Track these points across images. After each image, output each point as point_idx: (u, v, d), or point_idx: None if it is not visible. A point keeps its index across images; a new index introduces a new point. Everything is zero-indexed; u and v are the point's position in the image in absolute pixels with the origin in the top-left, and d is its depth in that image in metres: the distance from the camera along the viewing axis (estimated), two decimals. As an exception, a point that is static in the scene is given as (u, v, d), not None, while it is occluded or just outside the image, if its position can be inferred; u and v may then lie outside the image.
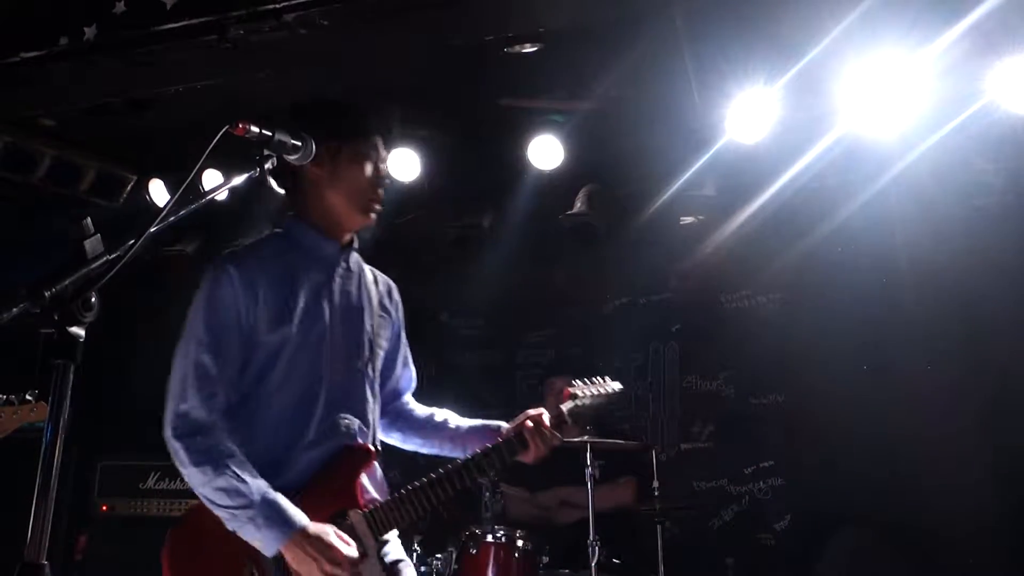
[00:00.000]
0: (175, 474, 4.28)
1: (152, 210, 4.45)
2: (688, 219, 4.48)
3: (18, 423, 2.75)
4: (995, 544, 3.74)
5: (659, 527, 3.71)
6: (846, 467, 4.18)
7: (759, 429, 4.71)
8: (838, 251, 4.38)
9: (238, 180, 1.53)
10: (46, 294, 1.06)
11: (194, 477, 1.90)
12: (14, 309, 1.04)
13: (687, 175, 4.21)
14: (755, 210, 4.39)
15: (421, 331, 5.45)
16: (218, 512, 1.89)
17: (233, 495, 1.87)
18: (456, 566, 3.49)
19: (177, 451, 1.91)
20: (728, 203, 4.55)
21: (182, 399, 1.93)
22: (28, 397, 2.69)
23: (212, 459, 1.88)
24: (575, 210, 4.48)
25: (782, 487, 4.62)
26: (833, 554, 4.19)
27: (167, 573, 1.93)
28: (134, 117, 3.69)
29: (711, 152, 3.97)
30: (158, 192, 4.48)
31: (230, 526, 1.88)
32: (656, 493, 3.71)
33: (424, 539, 3.49)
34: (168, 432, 1.92)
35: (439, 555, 3.59)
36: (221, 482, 1.87)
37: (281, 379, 2.01)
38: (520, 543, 3.49)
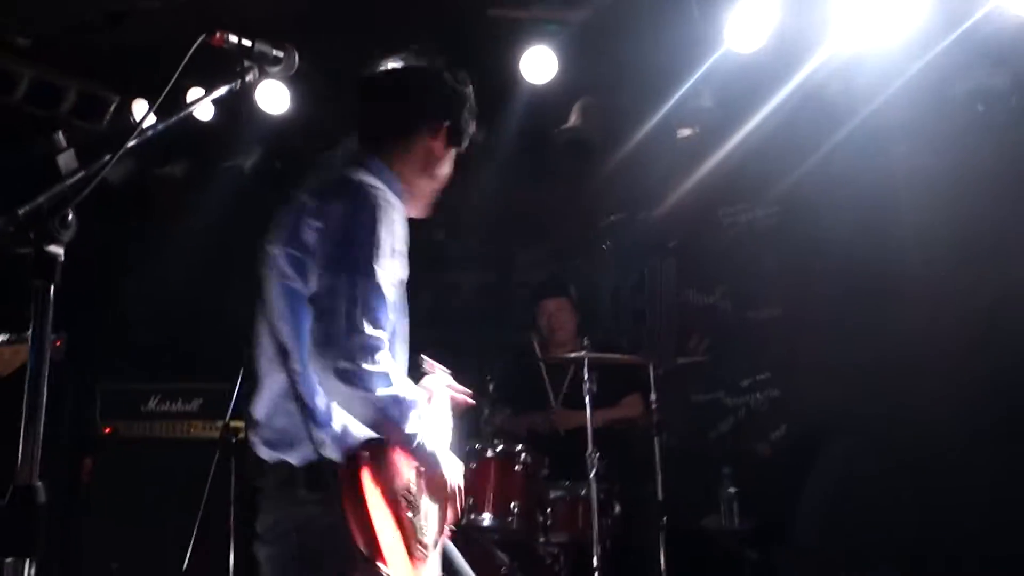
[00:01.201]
0: (175, 396, 4.32)
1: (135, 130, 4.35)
2: (686, 132, 4.39)
3: (21, 361, 2.75)
4: (989, 453, 3.81)
5: (656, 439, 3.77)
6: (841, 379, 4.22)
7: (756, 342, 4.75)
8: (836, 164, 4.33)
9: (218, 92, 1.46)
10: (20, 212, 1.03)
11: (380, 400, 1.74)
12: (-10, 227, 1.00)
13: (685, 86, 4.12)
14: (753, 122, 4.32)
15: (416, 251, 5.49)
16: (401, 434, 1.79)
17: (415, 419, 1.79)
18: (457, 480, 3.53)
19: (362, 374, 1.72)
20: (726, 115, 4.46)
21: (364, 321, 1.75)
22: (28, 335, 2.67)
23: (396, 382, 1.77)
24: (569, 124, 4.39)
25: (778, 398, 4.68)
26: (827, 463, 4.26)
27: (350, 512, 1.73)
28: (113, 33, 3.56)
29: (709, 62, 3.87)
30: (142, 112, 4.37)
31: (411, 448, 1.82)
32: (654, 406, 3.75)
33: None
34: (354, 355, 1.73)
35: (440, 470, 3.63)
36: (409, 404, 1.79)
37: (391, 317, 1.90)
38: (520, 456, 3.54)
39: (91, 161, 1.10)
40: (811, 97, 4.13)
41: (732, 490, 4.18)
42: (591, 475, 3.40)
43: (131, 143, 1.12)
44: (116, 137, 1.24)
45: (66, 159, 1.07)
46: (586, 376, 3.50)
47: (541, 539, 3.60)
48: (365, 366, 1.71)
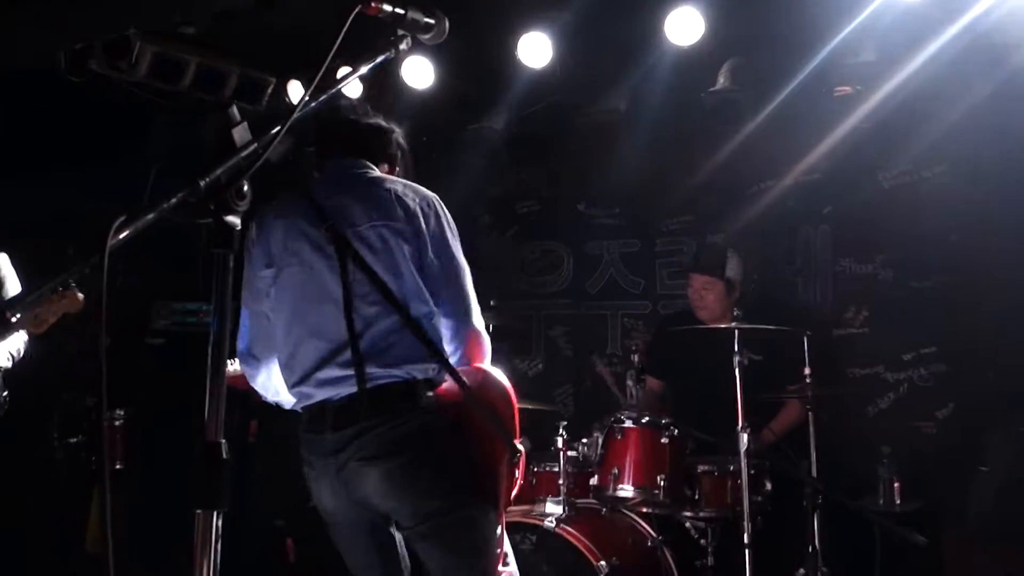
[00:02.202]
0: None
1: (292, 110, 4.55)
2: (843, 90, 4.12)
3: (58, 313, 2.97)
4: None
5: (810, 415, 3.61)
6: (1018, 353, 3.89)
7: (920, 313, 4.44)
8: (1010, 117, 3.95)
9: (373, 63, 1.49)
10: (201, 184, 1.08)
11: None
12: (173, 200, 1.06)
13: (840, 39, 3.86)
14: (916, 76, 4.00)
15: (558, 221, 5.49)
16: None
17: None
18: (602, 451, 3.52)
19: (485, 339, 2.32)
20: (886, 70, 4.15)
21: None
22: (70, 285, 2.88)
23: None
24: (717, 87, 4.22)
25: (945, 374, 4.38)
26: (999, 444, 3.95)
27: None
28: (265, 17, 3.71)
29: (868, 10, 3.61)
30: (296, 93, 4.56)
31: None
32: (808, 381, 3.59)
33: (569, 424, 3.54)
34: (480, 324, 2.31)
35: (585, 440, 3.64)
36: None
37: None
38: (666, 429, 3.48)
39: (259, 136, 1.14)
40: (978, 45, 3.78)
41: (892, 469, 3.96)
42: (742, 451, 3.29)
43: (295, 116, 1.16)
44: (275, 117, 1.28)
45: (240, 132, 1.12)
46: (736, 348, 3.37)
47: (688, 513, 3.54)
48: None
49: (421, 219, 2.25)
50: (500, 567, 2.22)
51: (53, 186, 4.41)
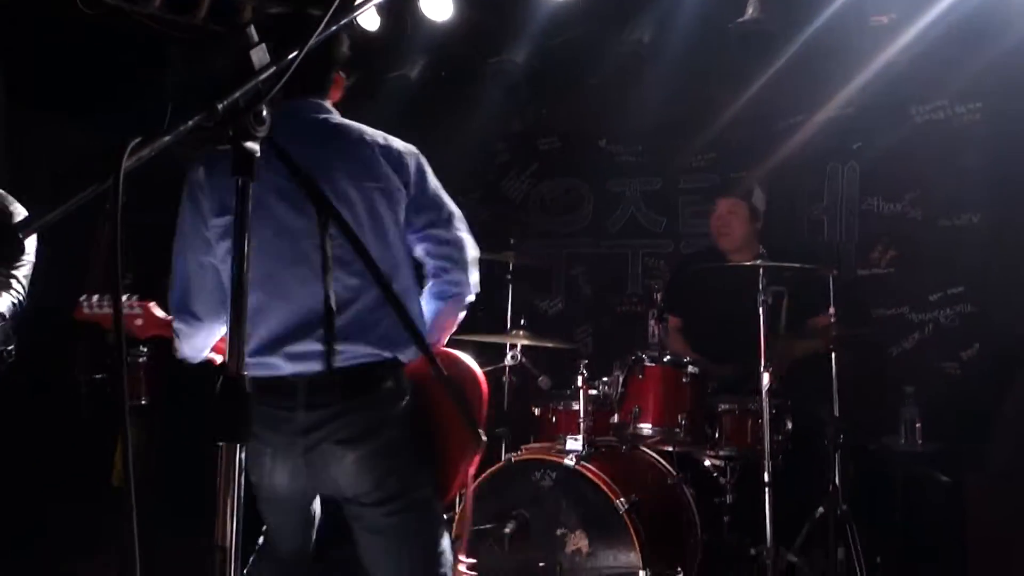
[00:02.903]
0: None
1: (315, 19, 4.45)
2: (880, 18, 3.96)
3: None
4: None
5: (834, 354, 3.57)
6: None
7: (948, 253, 4.36)
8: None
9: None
10: (219, 107, 1.03)
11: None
12: (189, 123, 1.01)
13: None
14: (955, 5, 3.84)
15: (579, 158, 5.40)
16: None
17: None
18: (623, 389, 3.51)
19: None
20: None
21: None
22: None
23: None
24: (746, 17, 4.07)
25: (972, 314, 4.31)
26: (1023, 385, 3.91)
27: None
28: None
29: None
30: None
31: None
32: (832, 320, 3.54)
33: (589, 363, 3.52)
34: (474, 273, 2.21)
35: (605, 378, 3.62)
36: None
37: None
38: (688, 367, 3.46)
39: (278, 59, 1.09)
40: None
41: (915, 410, 3.93)
42: (764, 391, 3.27)
43: (312, 42, 1.10)
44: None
45: (259, 54, 1.07)
46: (761, 286, 3.32)
47: (709, 452, 3.54)
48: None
49: (409, 171, 2.10)
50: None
51: (70, 125, 4.37)
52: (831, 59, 4.37)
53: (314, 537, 2.21)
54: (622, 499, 3.07)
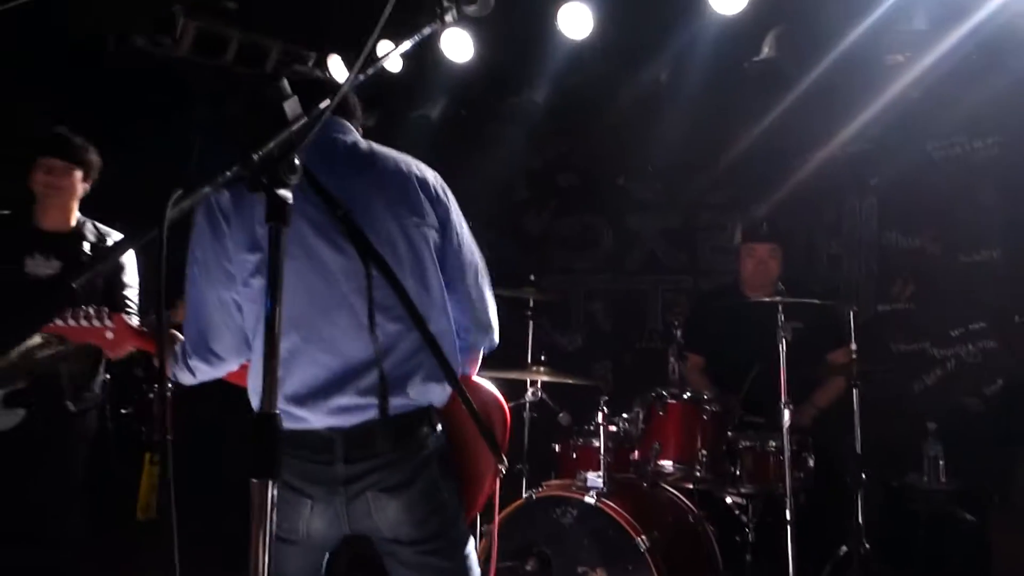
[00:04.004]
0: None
1: (332, 84, 4.57)
2: (896, 58, 4.00)
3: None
4: None
5: (855, 390, 3.56)
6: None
7: (969, 288, 4.35)
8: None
9: (418, 36, 1.48)
10: (254, 157, 1.08)
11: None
12: (227, 173, 1.06)
13: (889, 6, 3.75)
14: (966, 40, 3.87)
15: (598, 195, 5.45)
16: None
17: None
18: (644, 426, 3.52)
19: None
20: (938, 37, 4.03)
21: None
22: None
23: None
24: (762, 56, 4.13)
25: (994, 350, 4.29)
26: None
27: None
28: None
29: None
30: (336, 67, 4.57)
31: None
32: (853, 356, 3.53)
33: (610, 399, 3.53)
34: (495, 330, 2.16)
35: (625, 415, 3.63)
36: None
37: None
38: (708, 405, 3.46)
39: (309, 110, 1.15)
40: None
41: (938, 447, 3.89)
42: (785, 426, 3.26)
43: (343, 91, 1.16)
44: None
45: (292, 106, 1.12)
46: (780, 322, 3.33)
47: (730, 489, 3.52)
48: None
49: (446, 206, 2.01)
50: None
51: (104, 159, 4.48)
52: (846, 96, 4.41)
53: None
54: (643, 536, 3.06)
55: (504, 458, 2.04)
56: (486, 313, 2.12)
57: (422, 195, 1.97)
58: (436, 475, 1.95)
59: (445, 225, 2.00)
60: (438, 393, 1.96)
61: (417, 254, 1.93)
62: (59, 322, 2.18)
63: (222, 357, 1.93)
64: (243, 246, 1.84)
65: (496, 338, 2.17)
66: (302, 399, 1.86)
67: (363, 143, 2.01)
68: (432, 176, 2.04)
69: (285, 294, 1.57)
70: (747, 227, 4.27)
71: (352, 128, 2.03)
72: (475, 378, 2.19)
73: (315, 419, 1.86)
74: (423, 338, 1.86)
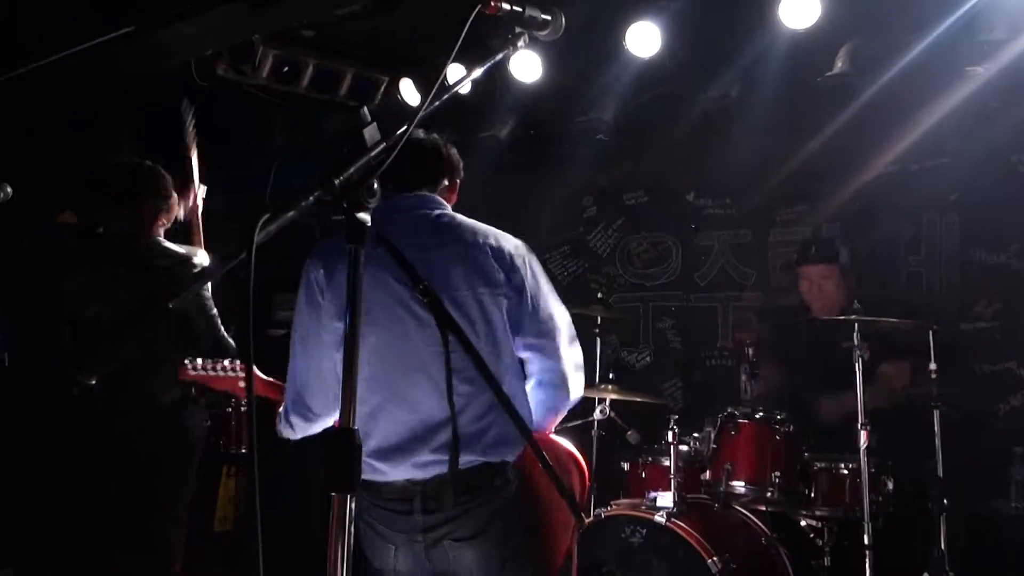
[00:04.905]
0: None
1: (404, 109, 4.67)
2: (974, 69, 3.89)
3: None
4: None
5: (936, 413, 3.44)
6: None
7: (1057, 306, 4.18)
8: None
9: (490, 62, 1.51)
10: (336, 182, 1.14)
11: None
12: (311, 198, 1.12)
13: (964, 15, 3.65)
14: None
15: (667, 212, 5.42)
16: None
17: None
18: (715, 446, 3.47)
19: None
20: (1019, 46, 3.89)
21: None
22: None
23: None
24: (835, 71, 4.06)
25: (1085, 370, 4.10)
26: None
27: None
28: (383, 18, 3.81)
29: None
30: (408, 91, 4.67)
31: None
32: (933, 376, 3.42)
33: (680, 418, 3.50)
34: (578, 388, 2.27)
35: (696, 434, 3.59)
36: None
37: None
38: (780, 425, 3.39)
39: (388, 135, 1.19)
40: None
41: (1026, 471, 3.74)
42: (862, 448, 3.18)
43: (419, 116, 1.21)
44: (389, 119, 1.33)
45: (371, 132, 1.17)
46: (856, 342, 3.26)
47: (804, 512, 3.44)
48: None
49: (521, 275, 2.15)
50: None
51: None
52: (922, 109, 4.29)
53: None
54: (715, 558, 3.02)
55: (582, 515, 2.17)
56: (565, 374, 2.23)
57: (495, 264, 2.13)
58: (509, 523, 2.08)
59: (520, 291, 2.14)
60: (510, 449, 2.09)
61: (489, 320, 2.10)
62: (199, 371, 2.41)
63: (318, 414, 2.16)
64: (335, 316, 2.07)
65: (576, 397, 2.26)
66: (384, 454, 2.05)
67: (447, 216, 2.21)
68: (511, 248, 2.18)
69: (371, 357, 1.98)
70: (799, 250, 4.23)
71: (441, 202, 2.24)
72: (552, 435, 2.29)
73: (395, 473, 2.06)
74: (496, 397, 1.98)
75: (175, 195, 3.42)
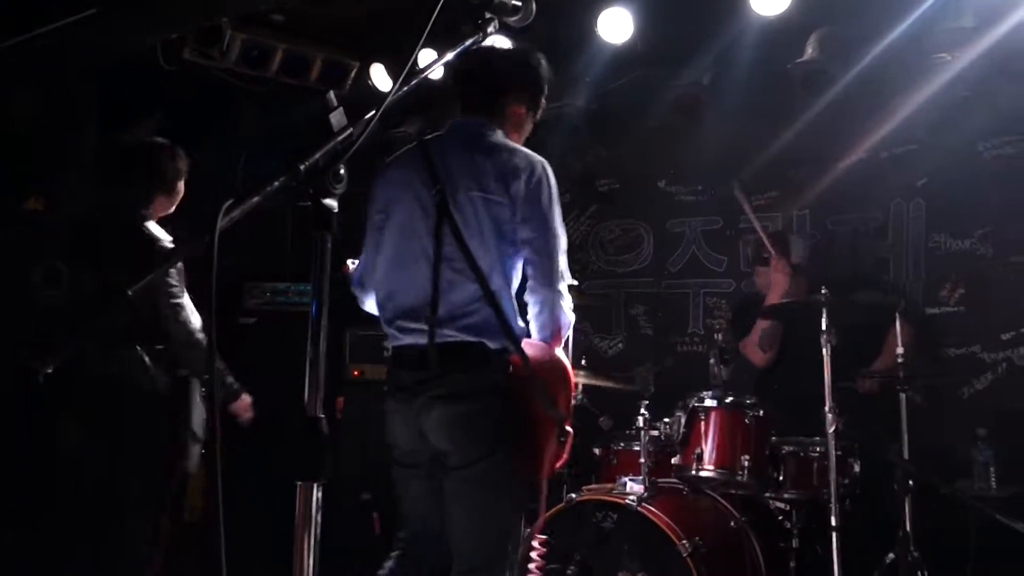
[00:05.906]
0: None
1: (376, 94, 4.63)
2: (942, 56, 3.93)
3: None
4: None
5: (903, 396, 3.50)
6: None
7: (1020, 290, 4.25)
8: None
9: (461, 47, 1.50)
10: (301, 168, 1.12)
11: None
12: (275, 183, 1.11)
13: (934, 4, 3.68)
14: (1017, 35, 3.78)
15: (639, 199, 5.43)
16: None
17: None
18: (685, 430, 3.50)
19: (566, 317, 2.45)
20: (986, 34, 3.94)
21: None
22: None
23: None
24: (805, 57, 4.09)
25: (1048, 354, 4.18)
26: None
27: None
28: (353, 3, 3.78)
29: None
30: (379, 76, 4.62)
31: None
32: (900, 360, 3.48)
33: (651, 404, 3.52)
34: (565, 301, 2.45)
35: (667, 419, 3.62)
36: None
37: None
38: (750, 410, 3.43)
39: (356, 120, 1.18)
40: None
41: (989, 453, 3.82)
42: (829, 431, 3.22)
43: (387, 103, 1.19)
44: (359, 104, 1.31)
45: (337, 117, 1.16)
46: (823, 326, 3.29)
47: (773, 495, 3.49)
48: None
49: (520, 186, 2.36)
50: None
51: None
52: (891, 96, 4.34)
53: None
54: (685, 542, 3.05)
55: (564, 422, 2.36)
56: (551, 273, 2.41)
57: (495, 175, 2.37)
58: (478, 409, 2.30)
59: (515, 199, 2.35)
60: (489, 336, 2.32)
61: (479, 219, 2.35)
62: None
63: (364, 288, 2.60)
64: (376, 208, 2.53)
65: (565, 307, 2.44)
66: (393, 322, 2.45)
67: (496, 138, 2.47)
68: (520, 161, 2.40)
69: (392, 248, 2.47)
70: (752, 250, 4.38)
71: (488, 127, 2.48)
72: (555, 350, 2.45)
73: (405, 339, 2.42)
74: (481, 289, 2.28)
75: (179, 181, 3.31)
